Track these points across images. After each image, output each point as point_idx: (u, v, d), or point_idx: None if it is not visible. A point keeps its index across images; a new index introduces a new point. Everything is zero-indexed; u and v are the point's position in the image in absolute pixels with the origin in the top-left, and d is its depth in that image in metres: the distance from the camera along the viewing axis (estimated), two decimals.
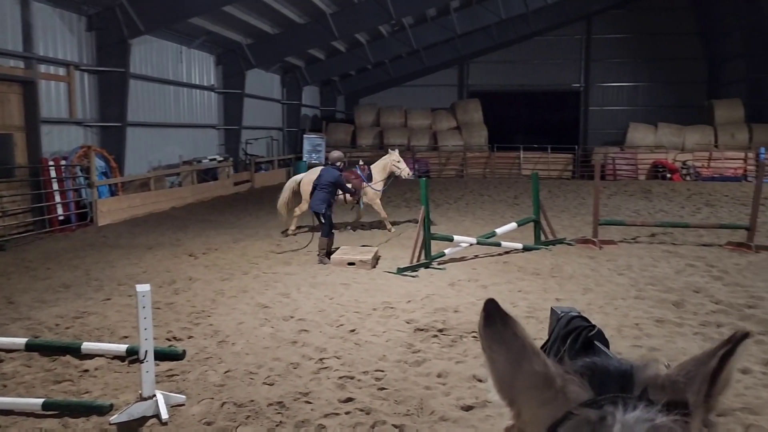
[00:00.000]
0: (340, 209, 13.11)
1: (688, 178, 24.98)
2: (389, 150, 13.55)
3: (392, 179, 13.29)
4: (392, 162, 13.04)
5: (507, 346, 0.83)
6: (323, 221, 10.10)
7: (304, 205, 12.04)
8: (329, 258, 9.85)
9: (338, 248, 10.26)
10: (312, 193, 10.47)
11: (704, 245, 11.08)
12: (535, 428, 0.79)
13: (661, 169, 25.50)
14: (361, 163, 13.62)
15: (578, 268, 9.35)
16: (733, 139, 26.81)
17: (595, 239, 11.02)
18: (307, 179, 11.97)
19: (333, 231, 10.42)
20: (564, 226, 13.24)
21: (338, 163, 10.87)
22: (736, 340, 0.80)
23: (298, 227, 12.72)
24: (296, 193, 12.30)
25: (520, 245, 10.69)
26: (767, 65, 27.68)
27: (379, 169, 13.06)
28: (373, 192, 12.86)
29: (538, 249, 10.69)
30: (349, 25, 21.80)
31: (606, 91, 33.69)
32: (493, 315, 0.85)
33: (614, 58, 33.01)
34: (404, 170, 13.13)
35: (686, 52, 32.02)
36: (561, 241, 11.28)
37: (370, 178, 12.82)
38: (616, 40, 32.76)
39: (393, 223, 13.26)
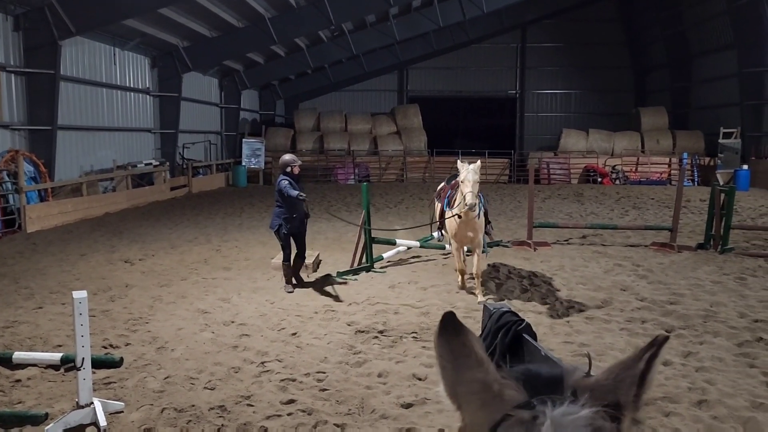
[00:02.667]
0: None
1: (617, 181, 26.19)
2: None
3: None
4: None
5: (455, 356, 0.92)
6: (280, 241, 8.57)
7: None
8: (292, 284, 8.54)
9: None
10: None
11: (631, 246, 11.69)
12: (477, 429, 0.87)
13: (592, 174, 26.65)
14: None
15: (514, 270, 9.69)
16: (658, 145, 28.28)
17: (530, 241, 11.44)
18: None
19: (290, 251, 8.51)
20: (501, 228, 13.65)
21: (287, 169, 8.52)
22: (659, 343, 0.88)
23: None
24: None
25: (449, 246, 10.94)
26: (689, 75, 29.40)
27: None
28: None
29: (484, 251, 10.95)
30: (288, 29, 21.73)
31: (540, 98, 34.88)
32: (448, 326, 0.93)
33: (548, 66, 34.25)
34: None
35: (615, 62, 33.59)
36: (498, 243, 11.64)
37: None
38: (550, 48, 34.00)
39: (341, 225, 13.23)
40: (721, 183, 16.64)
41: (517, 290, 8.37)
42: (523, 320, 3.22)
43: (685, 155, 25.98)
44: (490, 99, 34.90)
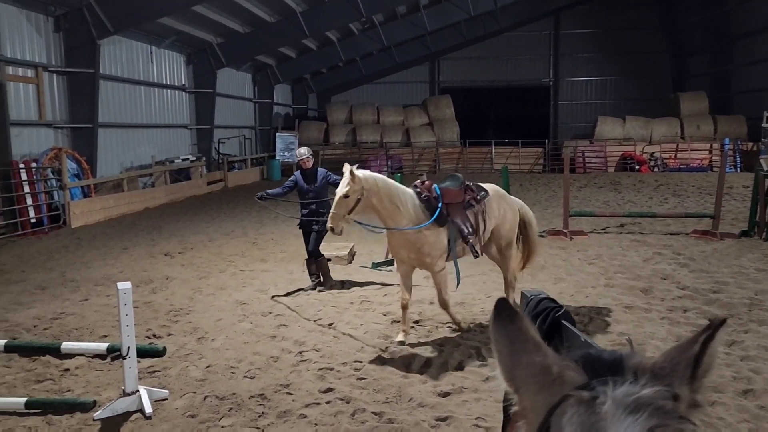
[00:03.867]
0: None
1: (655, 169, 25.61)
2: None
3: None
4: None
5: (512, 340, 0.92)
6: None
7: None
8: (312, 281, 8.18)
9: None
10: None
11: (671, 234, 11.44)
12: (536, 413, 0.88)
13: (629, 161, 26.10)
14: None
15: (550, 259, 9.59)
16: (699, 131, 27.53)
17: (565, 230, 11.30)
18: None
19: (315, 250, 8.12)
20: (535, 218, 13.50)
21: (300, 164, 8.14)
22: (715, 326, 0.87)
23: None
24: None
25: None
26: (729, 59, 28.50)
27: None
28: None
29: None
30: (319, 23, 21.82)
31: (575, 86, 34.27)
32: (502, 312, 0.94)
33: (582, 52, 33.60)
34: None
35: (651, 47, 32.76)
36: None
37: None
38: (584, 35, 33.35)
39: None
40: (765, 168, 16.13)
41: (551, 280, 8.28)
42: (561, 306, 3.20)
43: (726, 140, 25.22)
44: (523, 88, 34.44)
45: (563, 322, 2.49)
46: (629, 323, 6.45)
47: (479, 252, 6.26)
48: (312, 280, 8.18)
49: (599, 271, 8.77)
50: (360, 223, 6.05)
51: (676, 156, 26.21)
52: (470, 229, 6.05)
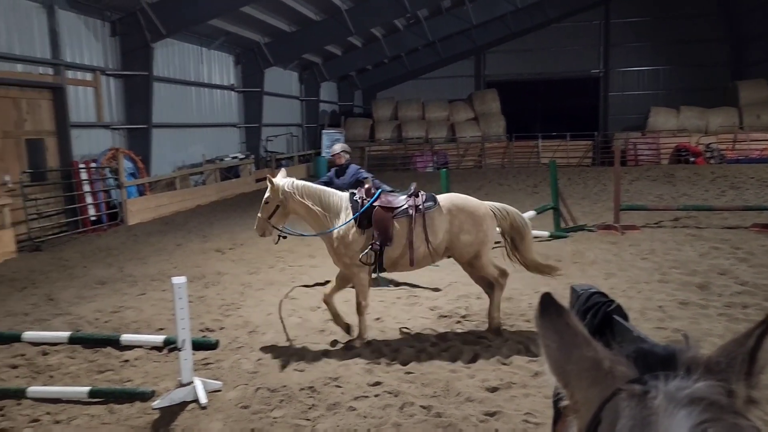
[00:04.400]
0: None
1: (712, 161, 24.68)
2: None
3: None
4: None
5: (559, 335, 0.92)
6: None
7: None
8: None
9: None
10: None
11: (729, 228, 11.03)
12: (587, 407, 0.88)
13: (684, 153, 25.24)
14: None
15: (600, 254, 9.41)
16: (759, 120, 26.38)
17: (616, 225, 11.05)
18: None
19: None
20: (585, 212, 13.26)
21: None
22: None
23: None
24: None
25: (546, 233, 10.76)
26: None
27: None
28: None
29: (565, 236, 10.71)
30: (364, 20, 21.92)
31: (626, 76, 33.33)
32: (548, 306, 0.94)
33: (634, 42, 32.62)
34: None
35: (707, 34, 31.51)
36: (582, 228, 11.32)
37: None
38: (636, 23, 32.37)
39: None
40: None
41: (602, 275, 8.12)
42: (613, 301, 3.15)
43: None
44: (571, 80, 33.70)
45: (615, 317, 2.47)
46: (685, 320, 6.28)
47: (381, 268, 6.01)
48: None
49: (653, 266, 8.55)
50: (280, 229, 6.16)
51: (734, 147, 25.19)
52: (385, 238, 5.83)
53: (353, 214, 5.88)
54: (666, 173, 21.56)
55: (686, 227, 11.31)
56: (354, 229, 5.86)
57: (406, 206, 6.00)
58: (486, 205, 6.39)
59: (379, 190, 6.12)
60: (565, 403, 0.95)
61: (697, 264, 8.54)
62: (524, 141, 27.84)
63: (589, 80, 33.90)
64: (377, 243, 5.84)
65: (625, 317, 2.71)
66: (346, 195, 6.05)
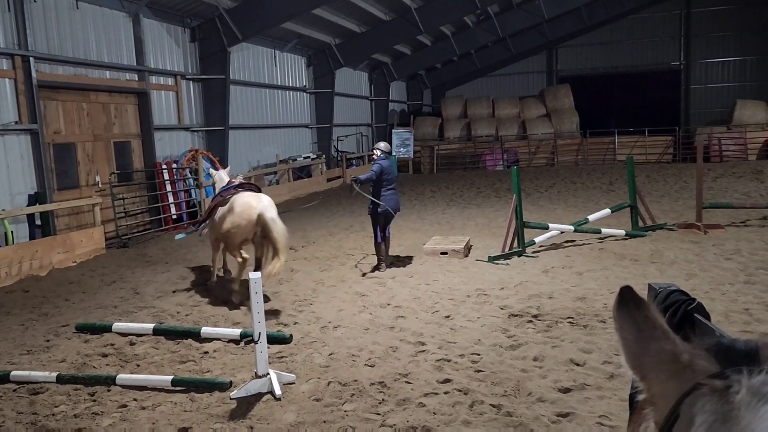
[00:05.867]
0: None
1: None
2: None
3: None
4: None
5: (638, 327, 0.92)
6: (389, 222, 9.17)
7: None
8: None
9: (431, 239, 10.46)
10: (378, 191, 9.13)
11: None
12: (664, 400, 0.87)
13: None
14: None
15: (680, 254, 9.02)
16: None
17: (699, 223, 10.55)
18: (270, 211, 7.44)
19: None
20: (664, 211, 12.73)
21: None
22: None
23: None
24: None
25: (622, 231, 10.43)
26: None
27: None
28: None
29: (643, 235, 10.34)
30: (434, 18, 21.87)
31: (709, 68, 31.64)
32: (627, 299, 0.94)
33: (717, 31, 30.91)
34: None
35: None
36: (661, 227, 10.88)
37: None
38: (719, 12, 30.65)
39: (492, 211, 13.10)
40: None
41: (683, 275, 7.79)
42: (694, 299, 3.04)
43: None
44: (649, 73, 32.31)
45: (696, 315, 2.38)
46: None
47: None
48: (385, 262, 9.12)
49: (738, 266, 8.12)
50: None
51: None
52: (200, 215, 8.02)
53: None
54: (754, 169, 20.33)
55: None
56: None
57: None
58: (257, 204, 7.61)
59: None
60: (641, 396, 0.95)
61: None
62: (599, 137, 26.97)
63: (669, 73, 32.39)
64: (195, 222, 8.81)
65: (707, 317, 2.62)
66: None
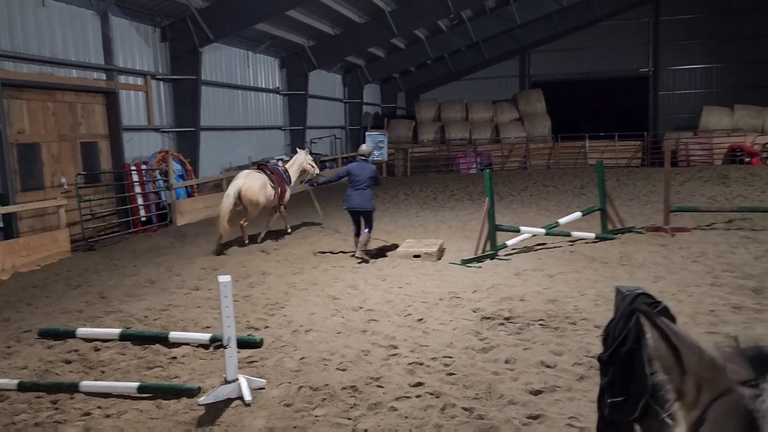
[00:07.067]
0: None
1: None
2: (297, 149, 13.85)
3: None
4: (306, 161, 13.13)
5: (670, 330, 0.93)
6: (369, 219, 9.96)
7: (253, 213, 11.36)
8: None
9: (403, 241, 10.44)
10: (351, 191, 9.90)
11: None
12: (696, 404, 0.87)
13: (738, 153, 24.34)
14: (282, 164, 13.10)
15: (649, 256, 9.16)
16: None
17: (666, 227, 10.73)
18: (252, 186, 11.29)
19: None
20: (633, 214, 12.93)
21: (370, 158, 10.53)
22: None
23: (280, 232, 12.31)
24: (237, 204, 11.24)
25: (592, 234, 10.55)
26: None
27: (294, 170, 12.89)
28: (289, 194, 12.44)
29: (612, 238, 10.47)
30: (407, 21, 21.95)
31: (677, 75, 32.33)
32: (650, 306, 0.96)
33: (685, 39, 31.61)
34: (315, 169, 13.34)
35: (763, 29, 30.27)
36: (630, 230, 11.04)
37: (289, 180, 12.50)
38: (687, 20, 31.35)
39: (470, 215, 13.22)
40: None
41: (651, 278, 7.90)
42: (659, 302, 3.06)
43: None
44: (619, 79, 32.86)
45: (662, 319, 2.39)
46: (738, 324, 6.05)
47: None
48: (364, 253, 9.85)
49: (704, 269, 8.28)
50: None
51: None
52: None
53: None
54: (719, 174, 20.82)
55: (740, 229, 10.91)
56: None
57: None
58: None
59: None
60: (671, 403, 0.95)
61: (752, 267, 8.23)
62: (570, 142, 27.34)
63: (638, 79, 33.02)
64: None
65: (673, 320, 2.62)
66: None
